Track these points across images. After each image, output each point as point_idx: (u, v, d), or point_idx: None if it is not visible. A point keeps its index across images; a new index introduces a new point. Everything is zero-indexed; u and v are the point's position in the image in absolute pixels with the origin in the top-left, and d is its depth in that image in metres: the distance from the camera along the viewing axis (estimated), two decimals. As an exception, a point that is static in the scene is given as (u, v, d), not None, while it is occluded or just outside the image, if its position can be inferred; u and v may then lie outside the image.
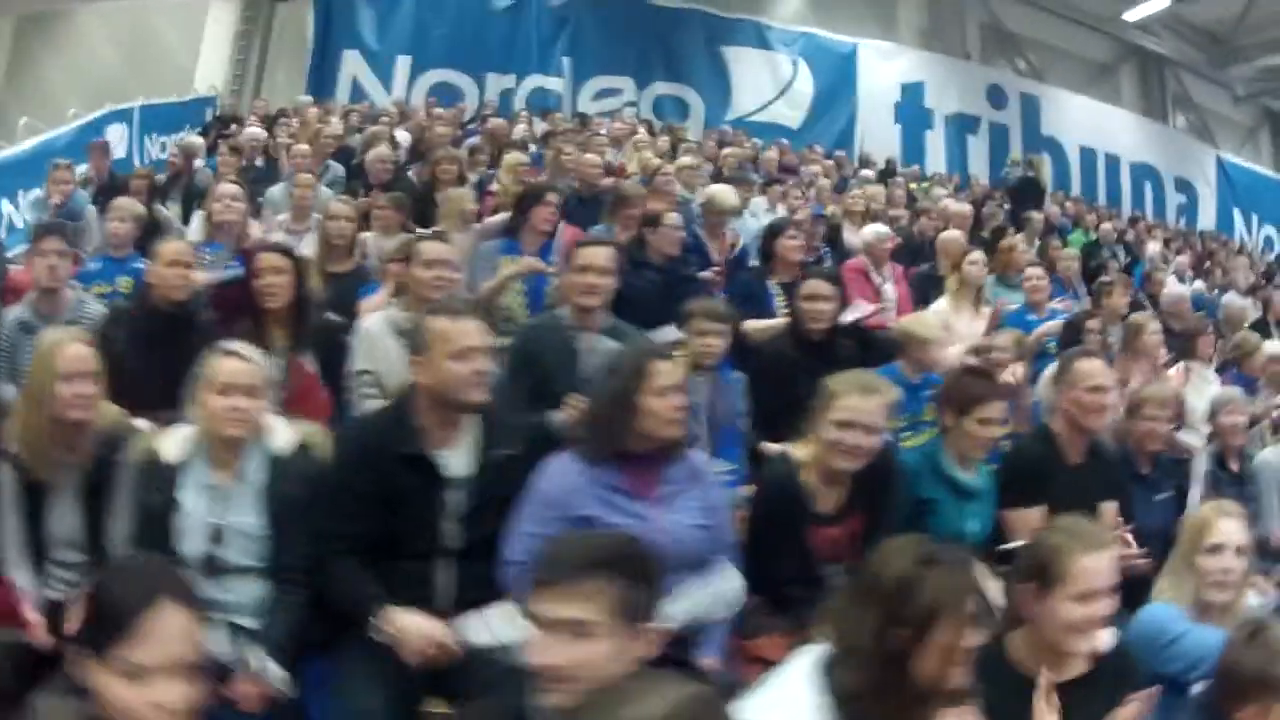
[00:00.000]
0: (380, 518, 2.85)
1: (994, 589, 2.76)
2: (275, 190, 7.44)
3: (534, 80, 16.00)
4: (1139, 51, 20.49)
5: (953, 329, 5.89)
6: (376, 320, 4.10)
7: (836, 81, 17.48)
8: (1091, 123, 19.34)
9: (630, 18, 16.47)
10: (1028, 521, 3.57)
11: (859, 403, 3.23)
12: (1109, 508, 3.91)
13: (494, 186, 7.69)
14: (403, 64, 15.49)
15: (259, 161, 9.26)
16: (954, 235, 7.46)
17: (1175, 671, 2.87)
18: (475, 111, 13.75)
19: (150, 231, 5.96)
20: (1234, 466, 5.12)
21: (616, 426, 2.92)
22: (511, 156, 7.96)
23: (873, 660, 1.99)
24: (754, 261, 6.24)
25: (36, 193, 7.82)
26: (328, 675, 2.81)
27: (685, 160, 9.12)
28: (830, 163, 12.63)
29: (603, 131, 11.18)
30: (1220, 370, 6.54)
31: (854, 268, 6.74)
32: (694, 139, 13.41)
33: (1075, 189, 18.04)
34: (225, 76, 14.85)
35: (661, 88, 16.78)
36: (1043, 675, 2.43)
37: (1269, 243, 20.13)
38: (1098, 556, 2.47)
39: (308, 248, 5.55)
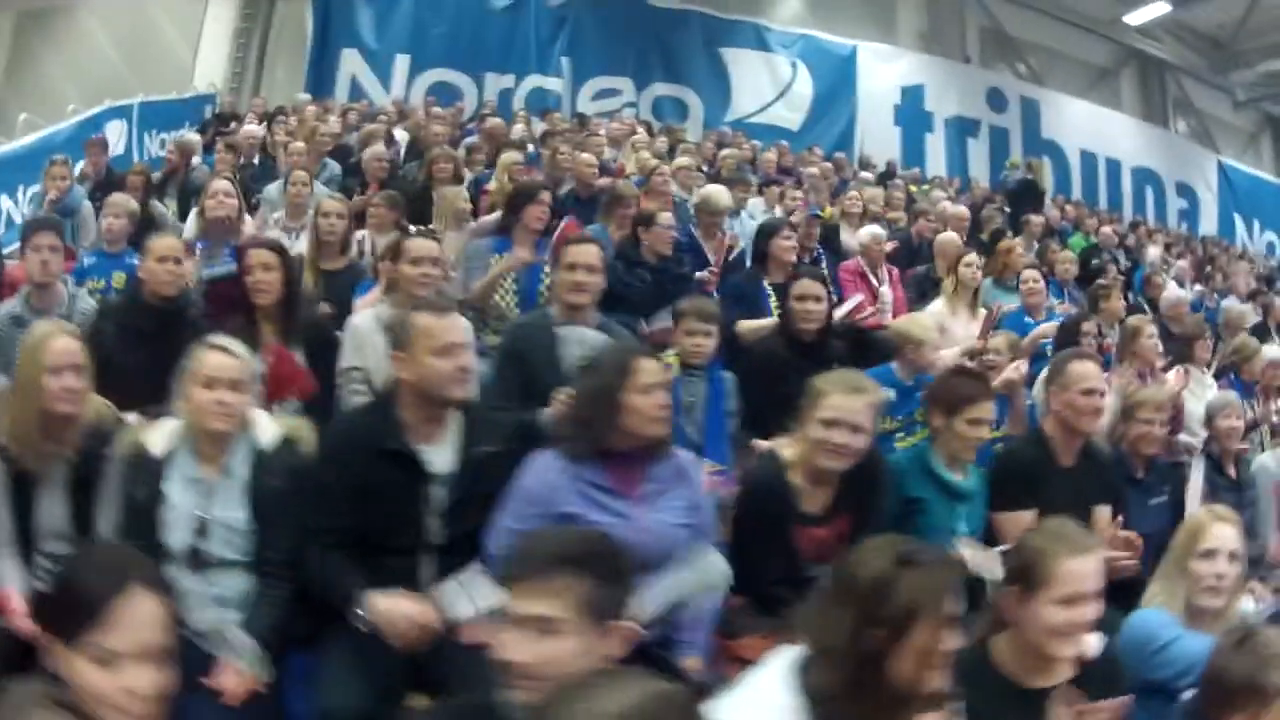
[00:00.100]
0: (363, 512, 2.86)
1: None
2: (272, 188, 7.44)
3: (533, 80, 15.97)
4: (1140, 56, 20.45)
5: (948, 331, 5.88)
6: (365, 317, 4.11)
7: (836, 84, 17.44)
8: (1092, 127, 19.30)
9: (629, 18, 16.45)
10: (1019, 524, 3.53)
11: (845, 401, 3.21)
12: (1103, 511, 3.90)
13: (490, 185, 7.67)
14: (401, 63, 15.46)
15: (256, 159, 9.25)
16: (951, 237, 7.46)
17: (1165, 678, 2.84)
18: (474, 111, 13.74)
19: (146, 227, 5.94)
20: (1231, 472, 5.11)
21: (600, 424, 2.92)
22: (507, 155, 7.96)
23: (847, 661, 1.96)
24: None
25: (36, 188, 7.81)
26: (310, 669, 2.81)
27: (682, 161, 9.09)
28: (829, 165, 12.59)
29: (601, 132, 11.15)
30: (1218, 375, 6.52)
31: (850, 269, 6.75)
32: (693, 140, 13.39)
33: (1076, 193, 18.00)
34: (225, 74, 14.83)
35: (661, 89, 16.76)
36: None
37: (1271, 248, 20.09)
38: (1082, 560, 2.43)
39: (303, 245, 5.56)
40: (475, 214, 6.55)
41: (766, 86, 17.31)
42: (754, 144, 13.07)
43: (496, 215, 5.94)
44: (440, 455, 2.93)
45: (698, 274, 5.90)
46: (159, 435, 2.99)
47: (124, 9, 14.50)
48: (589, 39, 16.34)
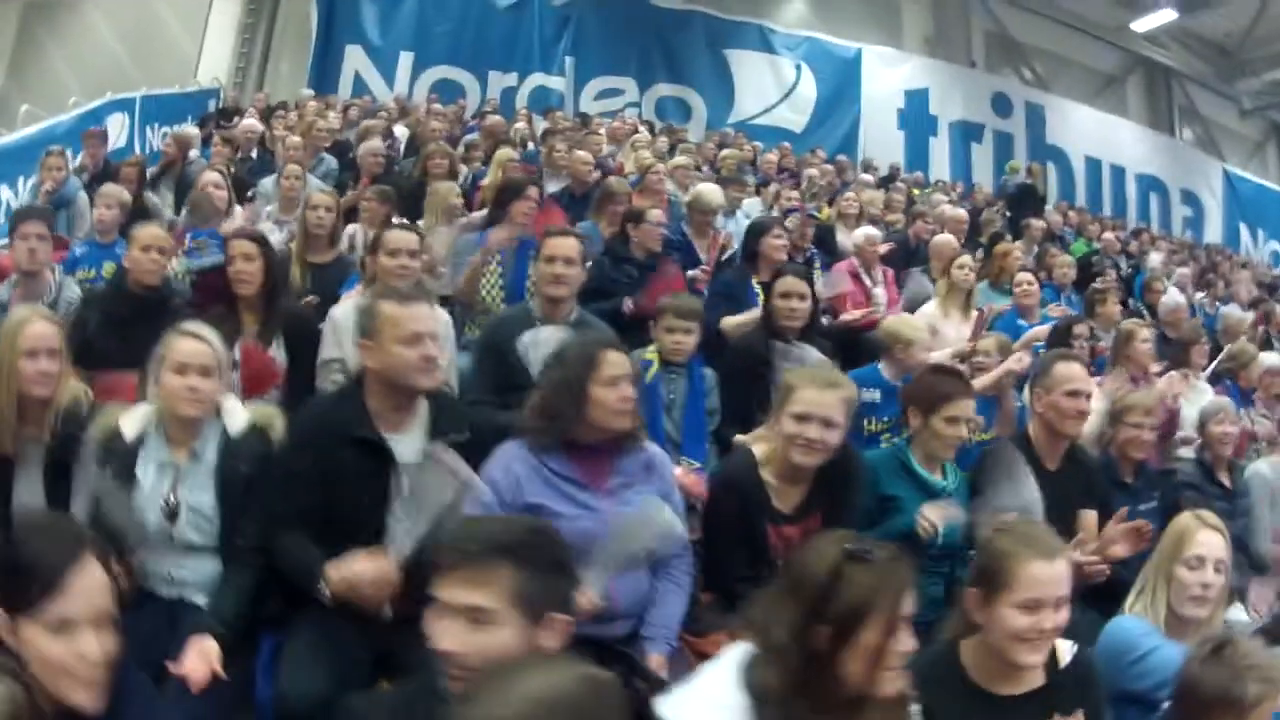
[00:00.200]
0: (330, 499, 2.85)
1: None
2: (267, 181, 7.45)
3: (536, 79, 15.98)
4: (1146, 63, 20.42)
5: (940, 333, 5.86)
6: (345, 309, 4.12)
7: (840, 87, 17.43)
8: (1097, 133, 19.28)
9: (632, 18, 16.46)
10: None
11: (817, 396, 3.18)
12: (1089, 516, 3.86)
13: (484, 181, 7.67)
14: (405, 60, 15.47)
15: (255, 153, 9.25)
16: (946, 239, 7.43)
17: (1143, 689, 2.75)
18: (476, 109, 13.74)
19: (139, 219, 5.95)
20: (1223, 479, 5.06)
21: (565, 416, 2.91)
22: (502, 152, 7.95)
23: (793, 659, 1.92)
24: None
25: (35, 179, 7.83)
26: (278, 654, 2.79)
27: (679, 160, 9.09)
28: (830, 167, 12.57)
29: (601, 131, 11.15)
30: (1214, 381, 6.48)
31: (845, 270, 6.72)
32: (695, 141, 13.37)
33: (1080, 200, 17.98)
34: (229, 69, 14.84)
35: (664, 89, 16.75)
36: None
37: (1276, 257, 20.00)
38: (1047, 565, 2.36)
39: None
40: (470, 210, 6.54)
41: (770, 88, 17.30)
42: (755, 145, 13.07)
43: (485, 210, 5.95)
44: (407, 444, 2.92)
45: (689, 272, 5.88)
46: (132, 420, 3.00)
47: (129, 2, 14.56)
48: (592, 38, 16.35)
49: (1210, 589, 2.91)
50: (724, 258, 6.44)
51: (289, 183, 6.68)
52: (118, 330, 4.12)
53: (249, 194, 7.25)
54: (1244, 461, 5.26)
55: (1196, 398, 5.79)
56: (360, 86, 15.10)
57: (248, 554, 2.90)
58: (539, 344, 3.78)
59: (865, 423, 4.61)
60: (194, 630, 2.64)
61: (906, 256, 8.10)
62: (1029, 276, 6.82)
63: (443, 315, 4.34)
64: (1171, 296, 8.68)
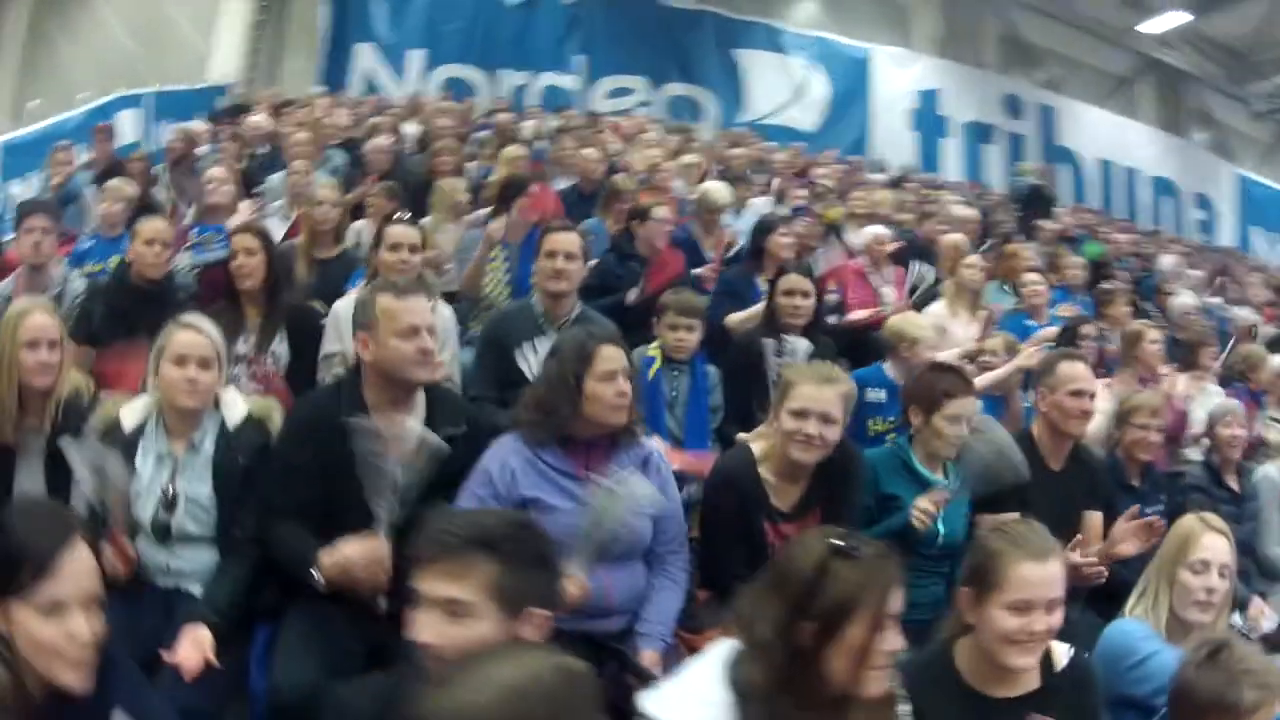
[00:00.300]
0: (325, 491, 2.85)
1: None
2: (275, 177, 7.45)
3: (548, 78, 15.95)
4: (1158, 65, 20.32)
5: (948, 333, 5.83)
6: (346, 303, 4.12)
7: (851, 87, 17.37)
8: (1109, 135, 19.19)
9: (642, 18, 16.42)
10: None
11: (816, 392, 3.15)
12: (1093, 517, 3.83)
13: (491, 178, 7.65)
14: (416, 58, 15.47)
15: (262, 149, 9.25)
16: (954, 238, 7.39)
17: (1142, 694, 2.71)
18: (487, 107, 13.73)
19: (145, 213, 5.96)
20: (1231, 482, 5.01)
21: (560, 410, 2.91)
22: (509, 149, 7.96)
23: (777, 655, 1.90)
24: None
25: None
26: (272, 645, 2.81)
27: (688, 158, 9.08)
28: (841, 167, 12.53)
29: (609, 129, 11.13)
30: (1224, 383, 6.45)
31: (852, 269, 6.70)
32: (706, 140, 13.34)
33: (1093, 202, 17.90)
34: (239, 66, 14.86)
35: (676, 88, 16.72)
36: None
37: (1289, 261, 19.93)
38: (1038, 566, 2.31)
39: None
40: (477, 207, 6.54)
41: (781, 88, 17.24)
42: (767, 145, 13.04)
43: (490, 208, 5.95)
44: None
45: (695, 270, 5.87)
46: (131, 410, 3.03)
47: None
48: (603, 37, 16.31)
49: (1215, 594, 2.88)
50: (728, 255, 6.43)
51: (295, 179, 6.68)
52: (122, 322, 4.17)
53: (255, 190, 7.27)
54: (1253, 465, 5.22)
55: (1206, 400, 5.76)
56: (371, 84, 15.12)
57: (244, 544, 2.92)
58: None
59: (870, 423, 4.60)
60: (188, 619, 2.67)
61: (917, 256, 8.06)
62: (1036, 276, 6.80)
63: (445, 311, 4.35)
64: (1181, 299, 8.65)
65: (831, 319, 5.73)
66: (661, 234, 5.69)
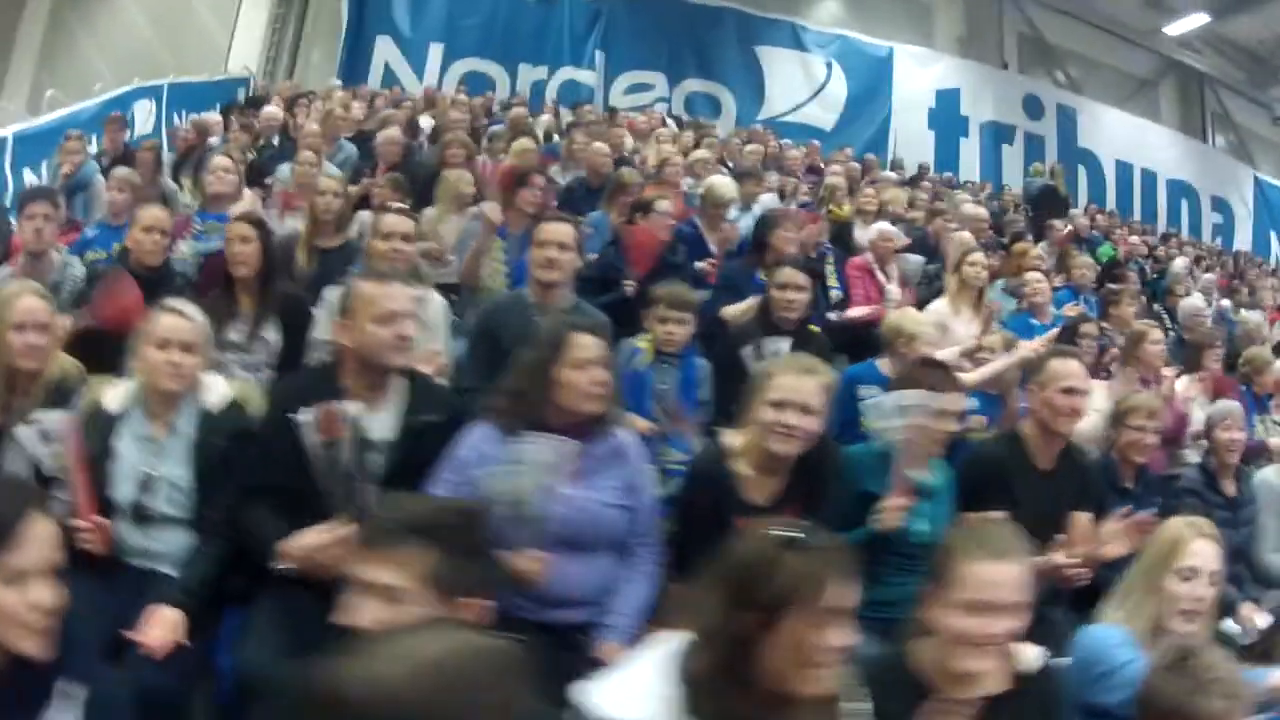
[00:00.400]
0: (301, 476, 2.84)
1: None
2: (284, 168, 7.48)
3: (566, 73, 16.01)
4: (1179, 67, 20.23)
5: (950, 330, 5.79)
6: (338, 291, 4.11)
7: (871, 85, 17.38)
8: (1129, 137, 19.13)
9: (663, 13, 16.47)
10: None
11: (795, 382, 3.11)
12: (1082, 518, 3.76)
13: (499, 171, 7.67)
14: (435, 52, 15.56)
15: (275, 140, 9.30)
16: (961, 236, 7.35)
17: (1112, 703, 2.57)
18: (504, 101, 13.77)
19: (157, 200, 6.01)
20: (1227, 487, 4.91)
21: (533, 398, 2.90)
22: (520, 142, 7.95)
23: (718, 645, 1.85)
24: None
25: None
26: (241, 627, 2.82)
27: (700, 153, 9.07)
28: (856, 165, 12.49)
29: (624, 124, 11.14)
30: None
31: (859, 266, 6.69)
32: (723, 136, 13.33)
33: (1110, 203, 17.82)
34: (260, 59, 14.95)
35: (694, 85, 16.74)
36: None
37: (1306, 266, 19.76)
38: (995, 566, 2.19)
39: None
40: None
41: (801, 86, 17.25)
42: (781, 141, 13.01)
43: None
44: (380, 422, 2.93)
45: (697, 264, 5.86)
46: (115, 393, 3.06)
47: (162, -9, 14.70)
48: (623, 33, 16.36)
49: (1202, 603, 2.74)
50: (732, 249, 6.42)
51: (303, 169, 6.71)
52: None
53: (267, 180, 7.31)
54: (1251, 469, 5.16)
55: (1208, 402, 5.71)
56: (390, 78, 15.20)
57: (219, 526, 2.93)
58: None
59: (865, 418, 4.56)
60: (158, 599, 2.68)
61: (925, 254, 8.04)
62: (1039, 275, 6.76)
63: (438, 301, 4.35)
64: (1190, 301, 8.59)
65: (832, 315, 5.72)
66: (664, 227, 5.68)
